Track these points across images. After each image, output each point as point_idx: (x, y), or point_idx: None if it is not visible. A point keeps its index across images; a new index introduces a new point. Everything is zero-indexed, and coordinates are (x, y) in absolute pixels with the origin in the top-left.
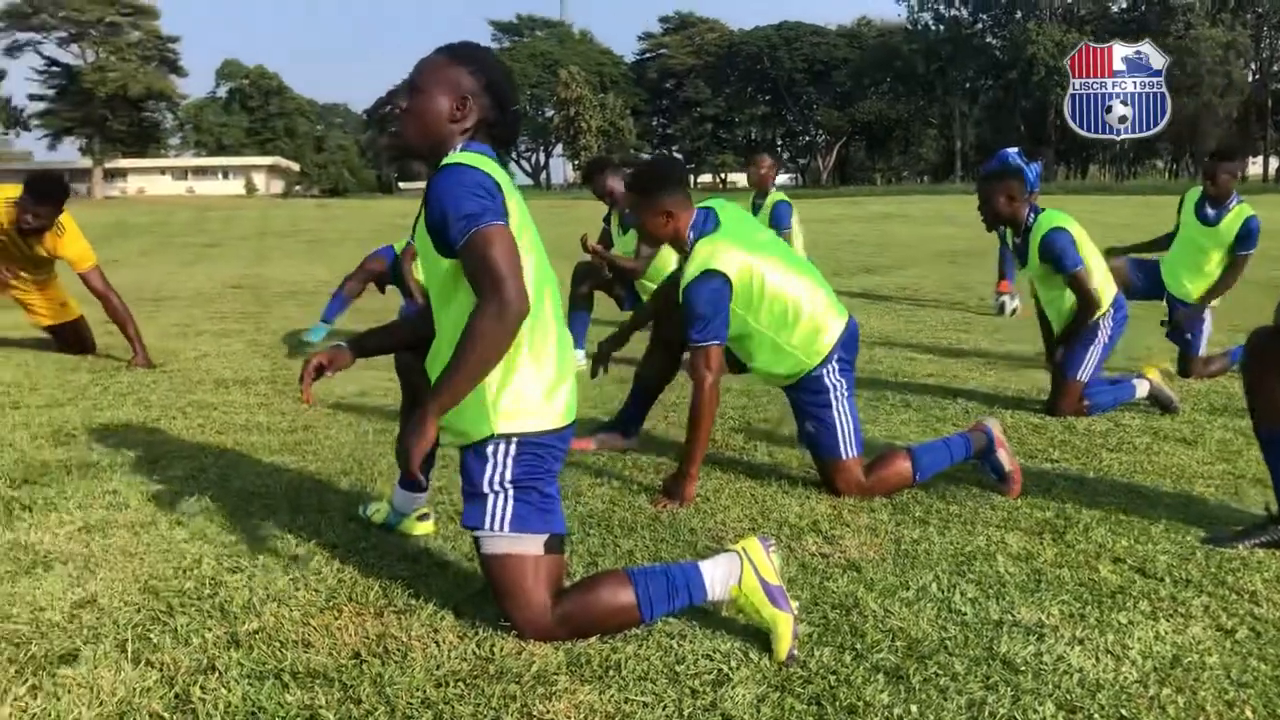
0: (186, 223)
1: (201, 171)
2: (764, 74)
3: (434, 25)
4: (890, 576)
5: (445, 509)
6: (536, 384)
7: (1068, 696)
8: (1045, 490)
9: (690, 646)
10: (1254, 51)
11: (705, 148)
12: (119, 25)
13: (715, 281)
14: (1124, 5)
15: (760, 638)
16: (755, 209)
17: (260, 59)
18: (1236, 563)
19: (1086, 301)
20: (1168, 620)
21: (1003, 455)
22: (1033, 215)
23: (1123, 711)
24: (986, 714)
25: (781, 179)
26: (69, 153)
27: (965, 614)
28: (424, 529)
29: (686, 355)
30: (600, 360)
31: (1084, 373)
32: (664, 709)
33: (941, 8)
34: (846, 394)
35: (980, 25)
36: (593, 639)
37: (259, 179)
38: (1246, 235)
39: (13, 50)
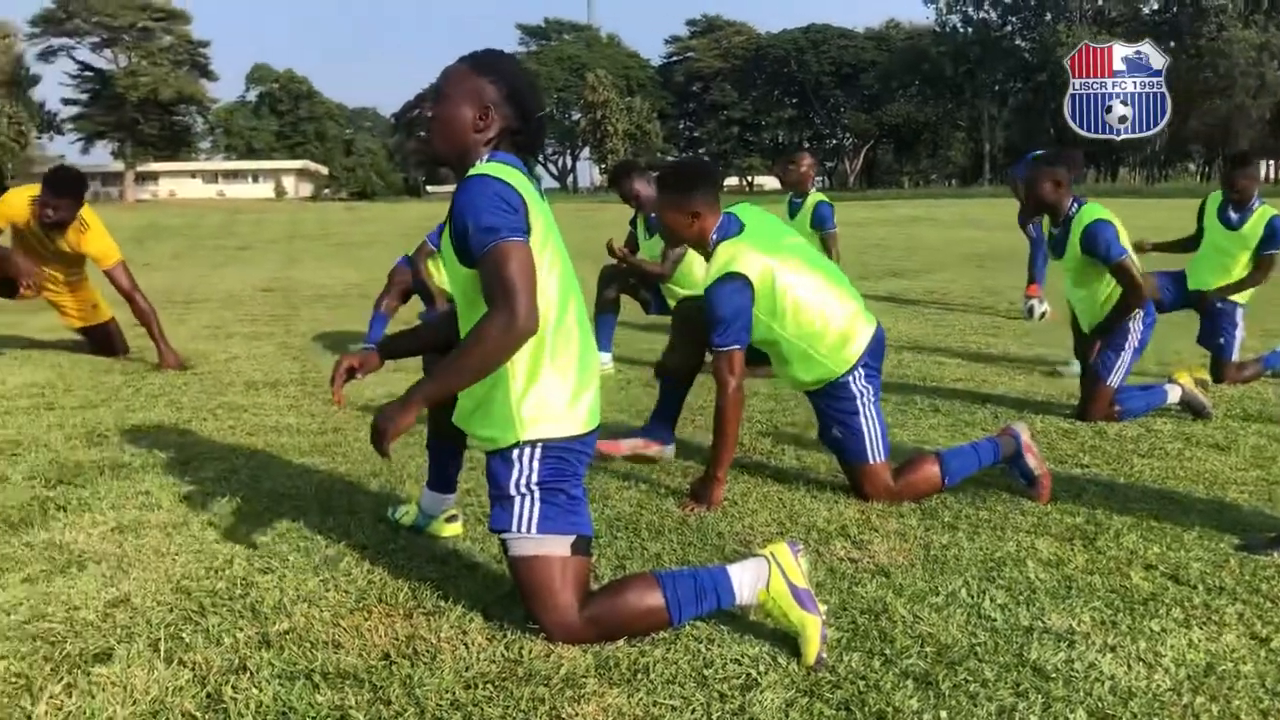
0: (217, 226)
1: (231, 175)
2: (791, 77)
3: (463, 29)
4: (919, 582)
5: (473, 511)
6: (560, 391)
7: (1099, 704)
8: (1076, 496)
9: (718, 650)
10: None
11: (732, 151)
12: (151, 30)
13: (736, 284)
14: (1155, 7)
15: (789, 642)
16: (794, 210)
17: (290, 63)
18: (1271, 570)
19: (1133, 289)
20: (1201, 628)
21: (1031, 460)
22: (1075, 206)
23: None
24: None
25: None
26: (101, 156)
27: (995, 620)
28: (452, 531)
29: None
30: None
31: (1115, 377)
32: (692, 713)
33: (970, 10)
34: (873, 399)
35: (1009, 27)
36: (620, 642)
37: (288, 182)
38: (1271, 236)
39: (47, 55)
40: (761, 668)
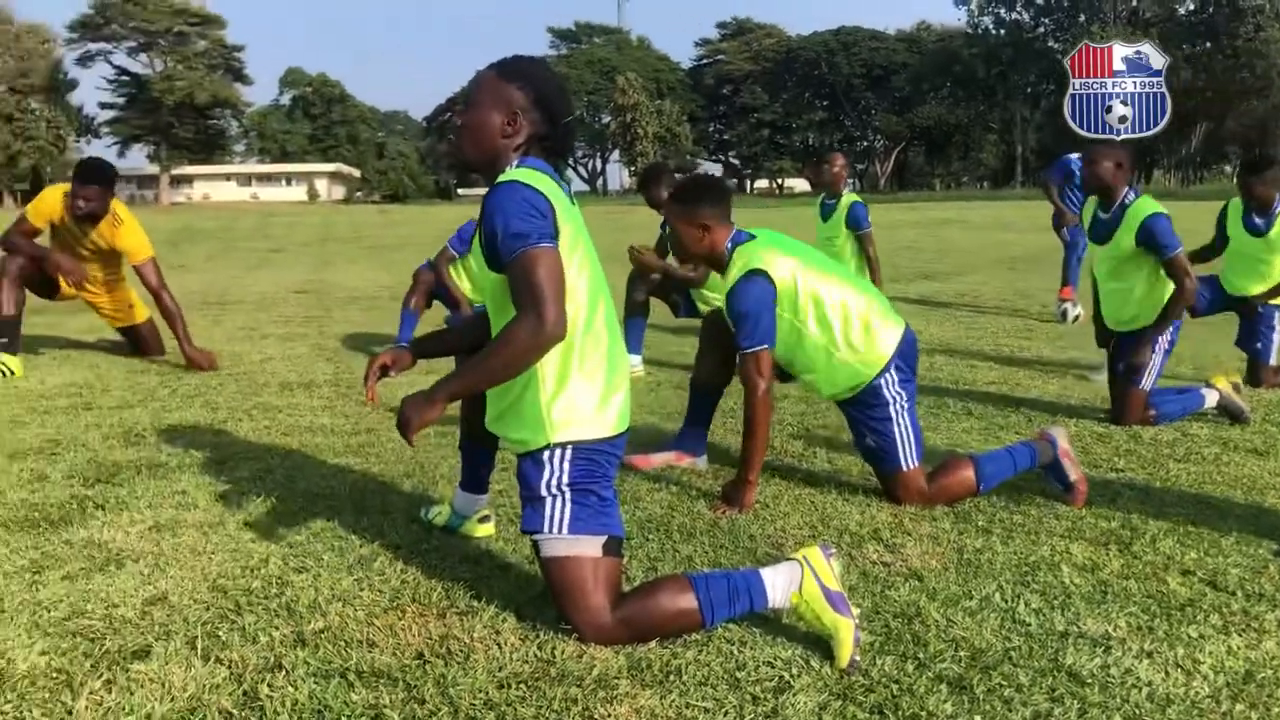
0: (251, 228)
1: (265, 178)
2: (822, 79)
3: (495, 33)
4: (953, 586)
5: (506, 512)
6: (589, 394)
7: (1136, 711)
8: (1111, 500)
9: (751, 653)
10: None
11: (762, 153)
12: (186, 35)
13: (758, 280)
14: (1191, 7)
15: (822, 646)
16: (826, 211)
17: (323, 67)
18: None
19: (1184, 286)
20: (1240, 635)
21: (1068, 465)
22: (1131, 195)
23: None
24: None
25: None
26: (137, 159)
27: (1030, 624)
28: (485, 531)
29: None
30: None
31: (1147, 381)
32: (725, 715)
33: (1002, 11)
34: (907, 405)
35: (1042, 29)
36: (653, 643)
37: (321, 185)
38: None
39: (85, 60)
40: (794, 670)
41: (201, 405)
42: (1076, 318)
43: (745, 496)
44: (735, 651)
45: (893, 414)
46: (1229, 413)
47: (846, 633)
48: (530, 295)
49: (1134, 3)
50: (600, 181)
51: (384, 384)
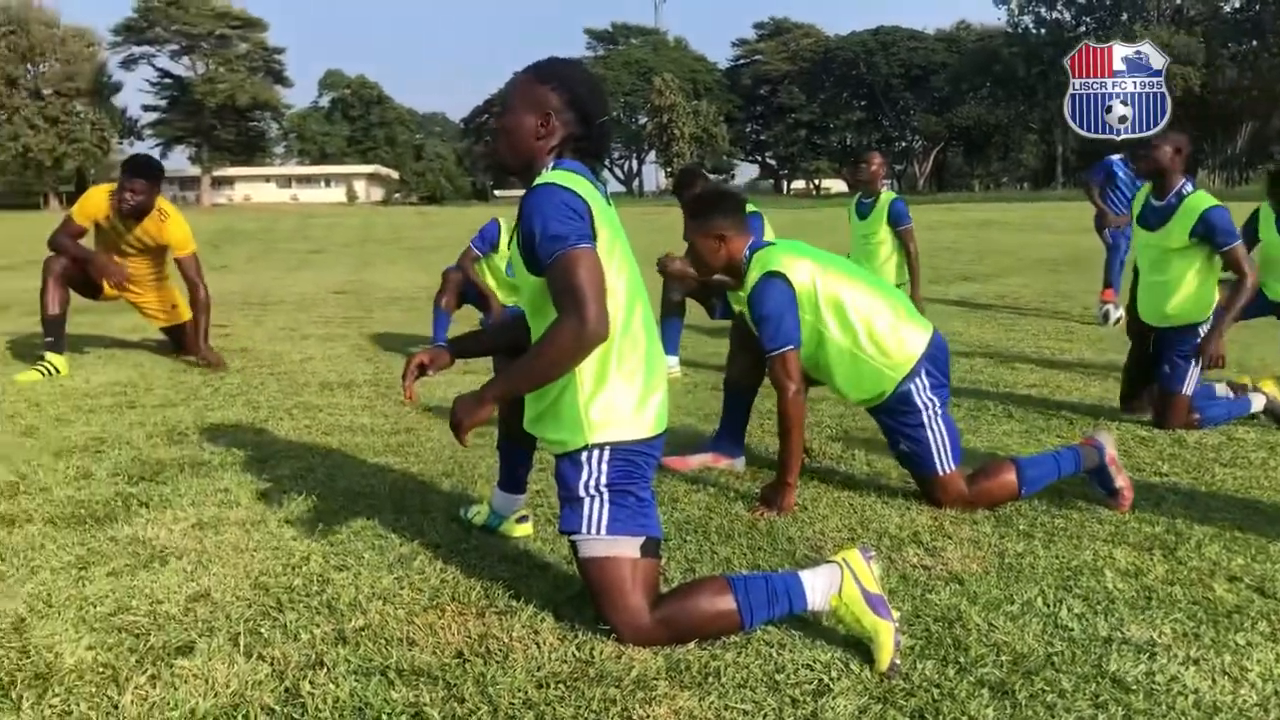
0: (291, 229)
1: (304, 179)
2: (860, 79)
3: (532, 34)
4: (994, 590)
5: (544, 512)
6: (627, 396)
7: (1182, 718)
8: (1155, 505)
9: (790, 655)
10: None
11: (799, 154)
12: (228, 38)
13: (775, 282)
14: (1237, 5)
15: (861, 649)
16: (863, 209)
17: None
18: None
19: (1244, 275)
20: None
21: (1114, 471)
22: (1188, 185)
23: None
24: None
25: None
26: (179, 161)
27: (1072, 630)
28: (523, 531)
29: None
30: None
31: (1188, 386)
32: (764, 717)
33: (1043, 10)
34: (940, 411)
35: (1083, 28)
36: (691, 645)
37: (360, 187)
38: None
39: (128, 63)
40: (834, 673)
41: (243, 404)
42: (1118, 320)
43: (784, 499)
44: (774, 654)
45: (925, 420)
46: (1276, 417)
47: (886, 636)
48: (571, 296)
49: (1177, 1)
50: (636, 182)
51: (422, 383)
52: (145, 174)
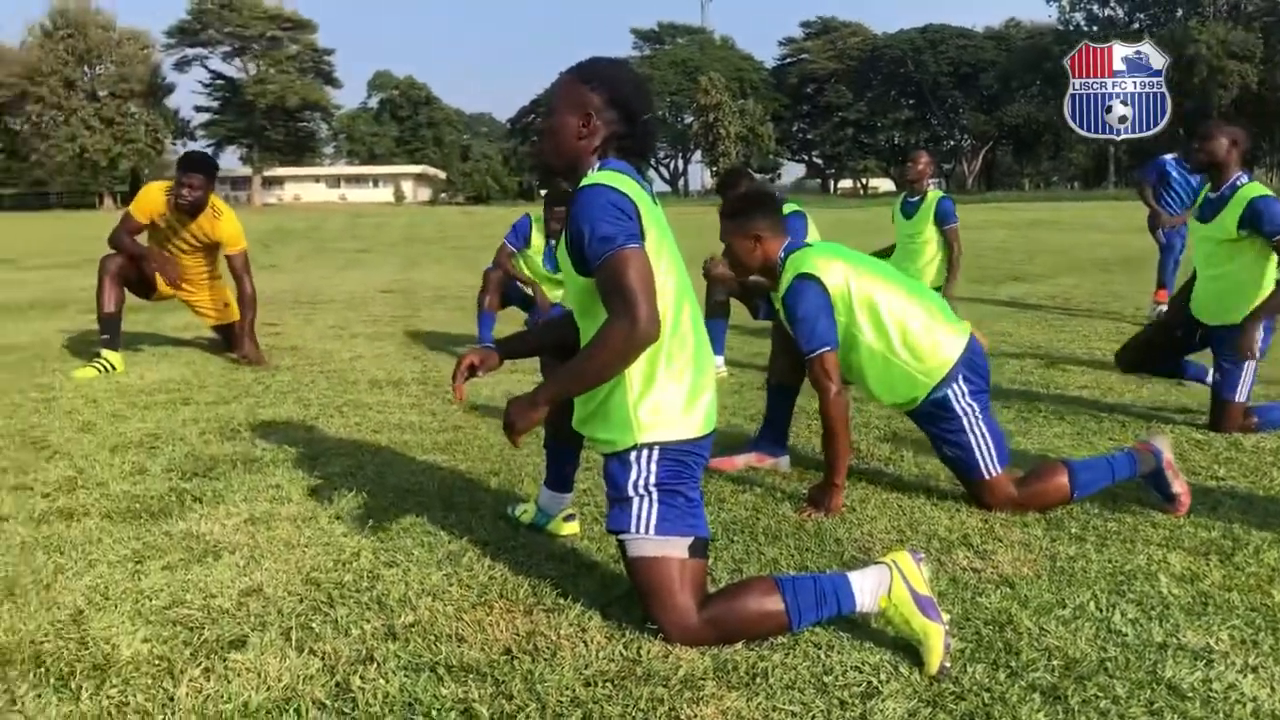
0: (339, 229)
1: (353, 179)
2: (908, 78)
3: (579, 34)
4: (1045, 593)
5: (591, 511)
6: (676, 396)
7: None
8: (1211, 509)
9: (838, 657)
10: None
11: (846, 153)
12: (279, 39)
13: (809, 284)
14: None
15: (910, 651)
16: (909, 208)
17: (410, 69)
18: None
19: None
20: None
21: (1171, 476)
22: (1243, 177)
23: None
24: None
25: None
26: (230, 161)
27: (1126, 635)
28: (570, 529)
29: None
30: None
31: (1241, 392)
32: (811, 719)
33: (1095, 8)
34: (980, 416)
35: (1136, 25)
36: (739, 645)
37: (407, 187)
38: None
39: (181, 65)
40: (883, 676)
41: (294, 401)
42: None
43: (832, 500)
44: (822, 655)
45: (966, 426)
46: None
47: (936, 638)
48: (622, 297)
49: None
50: (682, 182)
51: (468, 383)
52: (202, 169)
